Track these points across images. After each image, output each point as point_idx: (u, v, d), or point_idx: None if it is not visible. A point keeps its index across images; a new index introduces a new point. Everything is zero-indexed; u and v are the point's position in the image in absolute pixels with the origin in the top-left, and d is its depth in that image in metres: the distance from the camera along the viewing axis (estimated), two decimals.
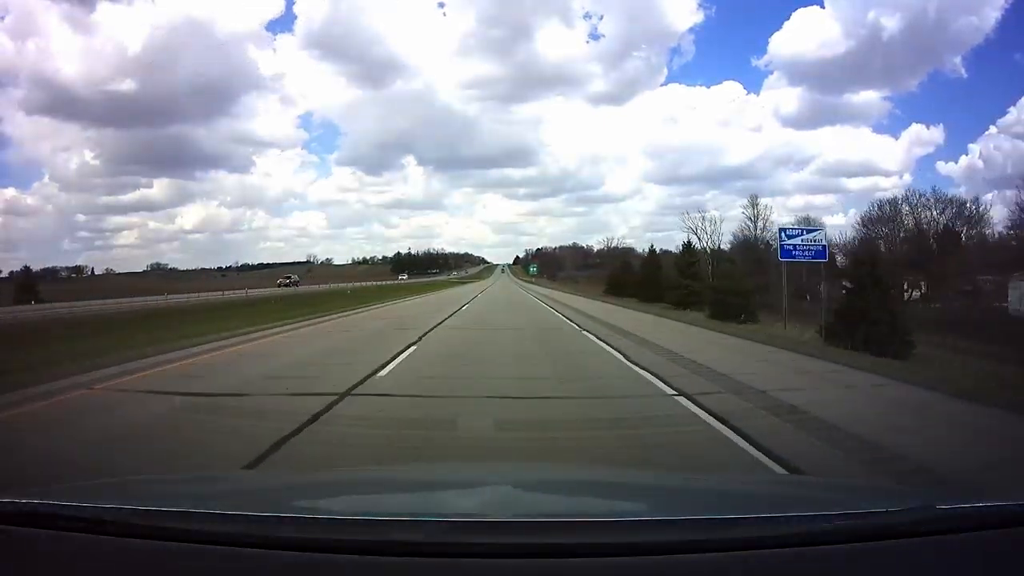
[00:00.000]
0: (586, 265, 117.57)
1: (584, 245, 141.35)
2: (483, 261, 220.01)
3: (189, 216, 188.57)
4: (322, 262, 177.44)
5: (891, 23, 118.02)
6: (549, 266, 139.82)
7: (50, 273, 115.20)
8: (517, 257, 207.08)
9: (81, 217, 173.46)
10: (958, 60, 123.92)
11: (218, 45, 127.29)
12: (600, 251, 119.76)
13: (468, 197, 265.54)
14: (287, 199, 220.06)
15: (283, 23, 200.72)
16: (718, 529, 1.53)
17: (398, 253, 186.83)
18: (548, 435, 6.23)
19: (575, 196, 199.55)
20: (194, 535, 1.47)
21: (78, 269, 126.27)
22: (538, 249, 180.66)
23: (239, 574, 1.40)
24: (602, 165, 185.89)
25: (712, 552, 1.41)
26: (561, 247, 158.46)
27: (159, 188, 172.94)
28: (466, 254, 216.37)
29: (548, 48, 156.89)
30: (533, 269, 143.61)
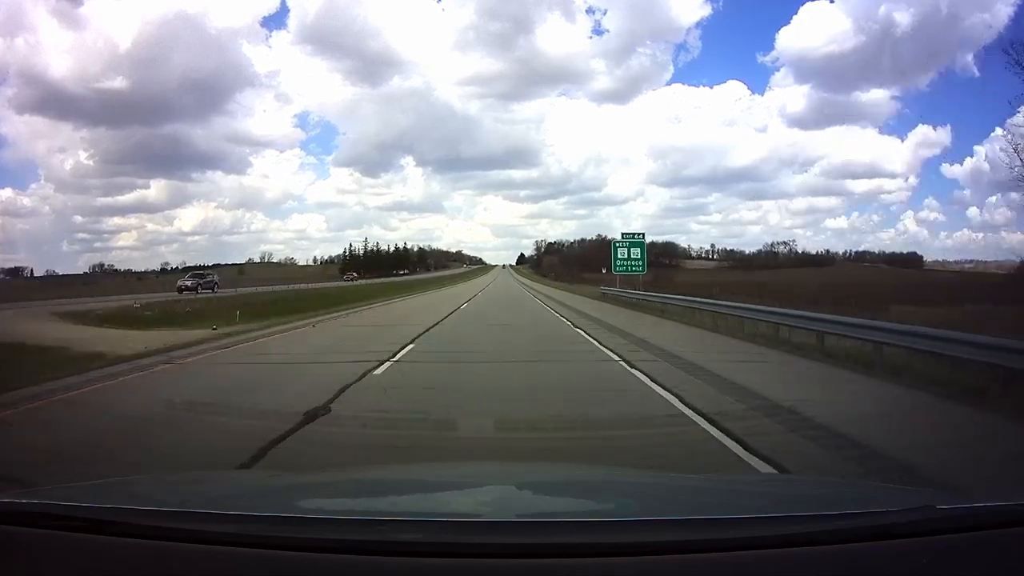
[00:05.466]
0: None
1: (608, 237, 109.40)
2: (480, 261, 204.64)
3: (187, 218, 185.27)
4: (281, 261, 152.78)
5: (903, 18, 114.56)
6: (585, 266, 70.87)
7: None
8: (521, 255, 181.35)
9: (79, 218, 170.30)
10: (970, 58, 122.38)
11: (211, 40, 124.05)
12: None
13: (468, 199, 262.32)
14: (285, 200, 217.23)
15: (277, 18, 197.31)
16: (719, 529, 1.53)
17: (350, 246, 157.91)
18: None
19: (577, 198, 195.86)
20: (194, 535, 1.47)
21: (15, 271, 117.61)
22: (549, 244, 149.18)
23: (239, 574, 1.40)
24: (604, 166, 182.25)
25: (713, 552, 1.42)
26: (583, 240, 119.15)
27: (156, 189, 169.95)
28: (458, 252, 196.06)
29: (550, 44, 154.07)
30: (637, 262, 35.57)
